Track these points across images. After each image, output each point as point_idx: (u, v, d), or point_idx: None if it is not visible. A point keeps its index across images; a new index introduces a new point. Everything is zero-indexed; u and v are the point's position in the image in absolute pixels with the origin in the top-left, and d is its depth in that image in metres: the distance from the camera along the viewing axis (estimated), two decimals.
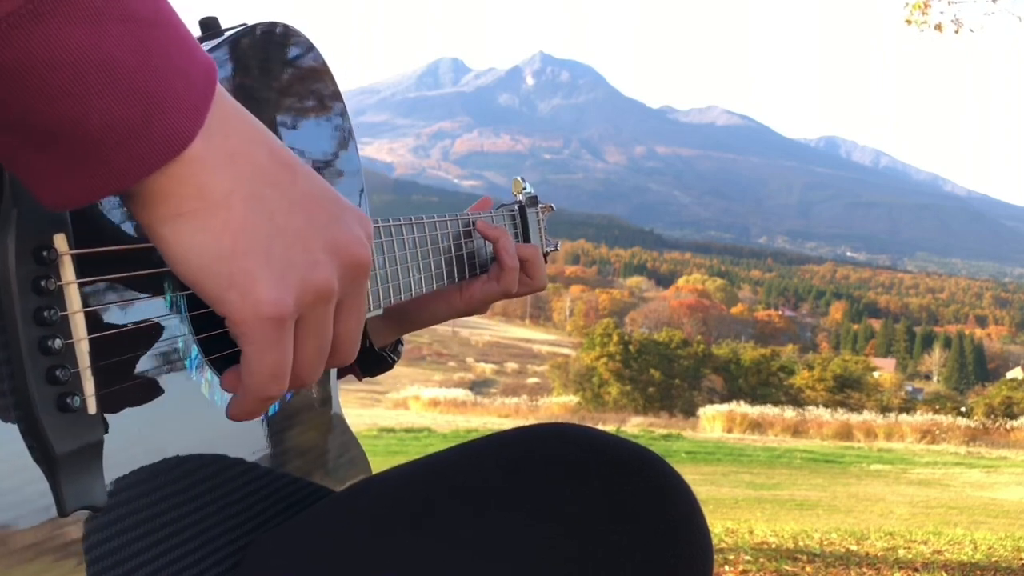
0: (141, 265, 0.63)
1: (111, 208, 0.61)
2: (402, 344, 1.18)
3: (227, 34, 0.79)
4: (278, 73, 0.85)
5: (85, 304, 0.56)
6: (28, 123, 0.43)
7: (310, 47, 0.89)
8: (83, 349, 0.55)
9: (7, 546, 0.51)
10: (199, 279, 0.50)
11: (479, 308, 1.16)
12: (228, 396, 0.71)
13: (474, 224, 1.15)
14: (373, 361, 1.12)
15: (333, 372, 0.90)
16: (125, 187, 0.47)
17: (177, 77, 0.46)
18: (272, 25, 0.84)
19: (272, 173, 0.52)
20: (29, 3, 0.41)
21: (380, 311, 0.90)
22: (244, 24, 0.82)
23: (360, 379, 1.15)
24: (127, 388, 0.61)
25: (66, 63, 0.42)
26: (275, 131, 0.84)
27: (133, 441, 0.61)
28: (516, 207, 1.27)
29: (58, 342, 0.52)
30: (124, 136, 0.45)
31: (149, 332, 0.64)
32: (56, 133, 0.43)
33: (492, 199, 1.26)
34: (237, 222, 0.50)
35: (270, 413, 0.78)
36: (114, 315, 0.61)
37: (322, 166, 0.91)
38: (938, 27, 8.76)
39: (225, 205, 0.49)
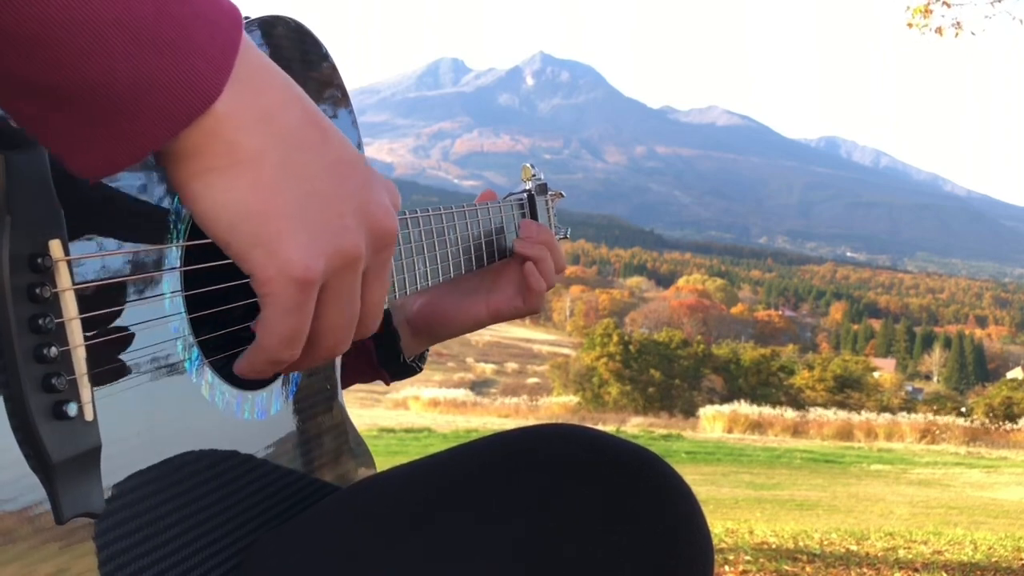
0: (137, 269, 0.63)
1: (105, 212, 0.60)
2: (427, 352, 1.19)
3: (255, 18, 0.79)
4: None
5: (81, 310, 0.55)
6: (54, 88, 0.43)
7: (317, 40, 0.89)
8: (79, 356, 0.54)
9: (7, 554, 0.51)
10: (227, 236, 0.49)
11: (506, 320, 1.16)
12: (229, 398, 0.71)
13: (511, 248, 1.16)
14: (402, 370, 1.13)
15: (337, 361, 0.89)
16: (156, 146, 0.46)
17: (200, 27, 0.45)
18: (281, 18, 0.84)
19: (305, 134, 0.51)
20: None
21: (386, 305, 0.87)
22: (247, 17, 0.81)
23: (388, 383, 1.15)
24: (126, 392, 0.61)
25: (82, 22, 0.41)
26: None
27: (133, 445, 0.61)
28: (525, 196, 1.25)
29: (53, 350, 0.52)
30: (151, 92, 0.44)
31: (147, 336, 0.64)
32: (81, 95, 0.43)
33: (496, 193, 1.24)
34: (268, 181, 0.49)
35: (272, 412, 0.78)
36: (111, 320, 0.60)
37: None
38: (939, 31, 8.77)
39: (256, 163, 0.49)
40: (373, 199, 0.54)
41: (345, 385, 1.08)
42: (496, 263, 1.16)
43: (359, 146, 0.95)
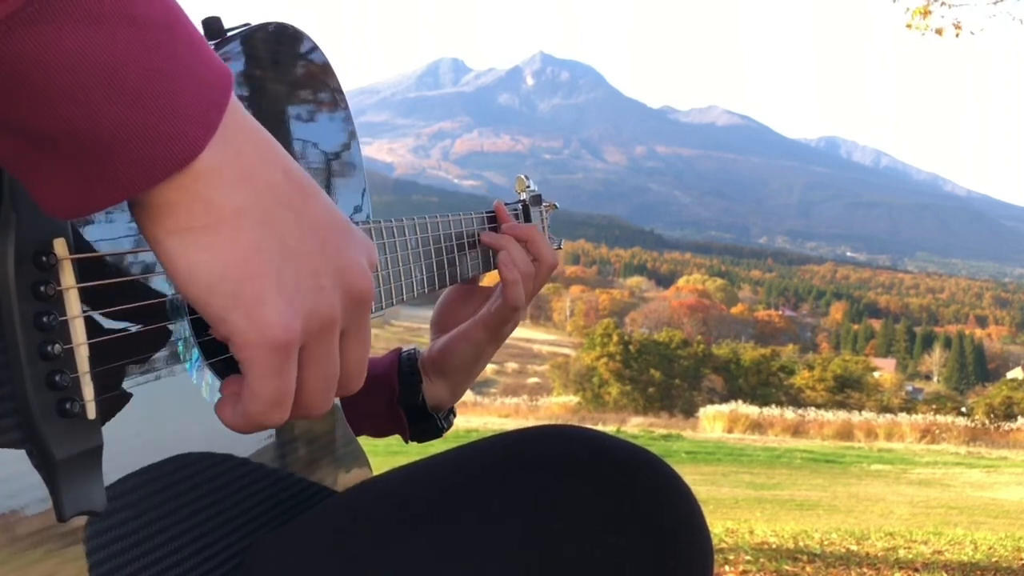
0: (141, 269, 0.63)
1: (111, 212, 0.60)
2: (454, 414, 1.17)
3: (235, 31, 0.80)
4: (288, 67, 0.85)
5: (85, 308, 0.55)
6: (31, 128, 0.42)
7: (315, 47, 0.89)
8: (83, 354, 0.54)
9: (8, 550, 0.51)
10: (203, 297, 0.48)
11: (502, 330, 1.12)
12: None
13: (479, 236, 1.14)
14: (423, 423, 1.12)
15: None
16: (130, 196, 0.45)
17: (188, 84, 0.45)
18: (281, 25, 0.85)
19: (286, 194, 0.51)
20: (30, 5, 0.40)
21: (382, 313, 0.90)
22: (248, 24, 0.82)
23: (407, 440, 1.14)
24: (127, 392, 0.61)
25: (69, 67, 0.41)
26: (287, 123, 0.85)
27: (134, 444, 0.61)
28: (519, 206, 1.26)
29: (57, 347, 0.52)
30: (129, 143, 0.44)
31: (149, 335, 0.64)
32: (60, 138, 0.43)
33: (503, 206, 1.23)
34: (247, 242, 0.48)
35: None
36: (114, 319, 0.60)
37: (332, 158, 0.91)
38: (938, 31, 8.77)
39: (235, 223, 0.48)
40: (350, 260, 0.54)
41: (363, 428, 1.08)
42: (491, 289, 1.16)
43: (353, 132, 0.95)
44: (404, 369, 1.11)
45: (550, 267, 1.15)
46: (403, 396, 1.10)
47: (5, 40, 0.40)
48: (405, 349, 1.15)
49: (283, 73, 0.85)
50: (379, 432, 1.14)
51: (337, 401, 0.90)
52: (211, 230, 0.48)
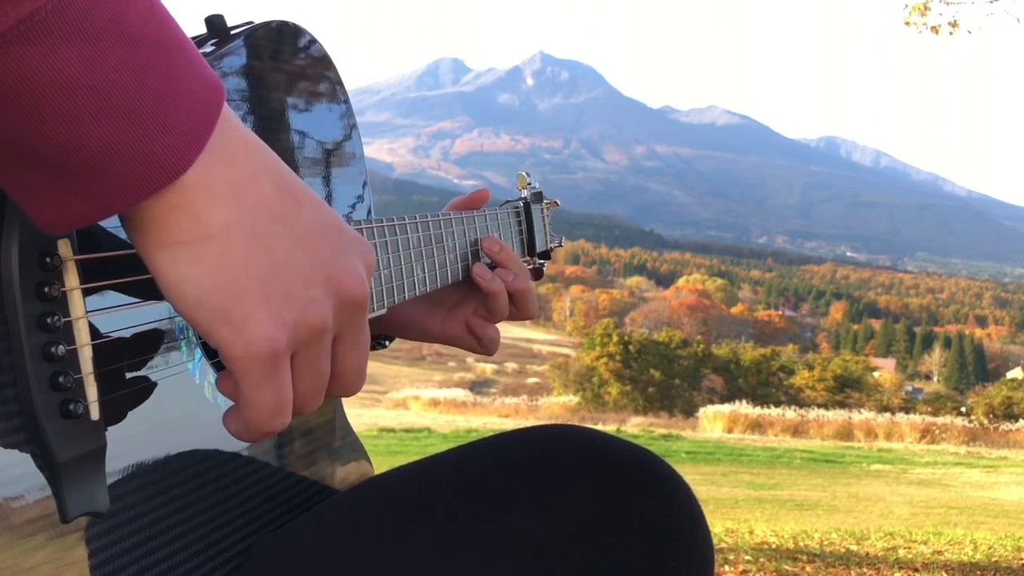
0: (144, 269, 0.62)
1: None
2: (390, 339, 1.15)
3: (233, 31, 0.80)
4: (290, 63, 0.86)
5: (88, 310, 0.55)
6: (20, 144, 0.42)
7: (316, 42, 0.90)
8: (86, 355, 0.55)
9: (12, 551, 0.51)
10: (192, 311, 0.49)
11: (454, 346, 1.07)
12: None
13: (482, 243, 1.11)
14: None
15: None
16: (118, 211, 0.46)
17: (178, 99, 0.45)
18: (284, 22, 0.85)
19: (277, 207, 0.51)
20: (22, 24, 0.40)
21: (384, 311, 0.91)
22: (251, 22, 0.82)
23: None
24: (130, 393, 0.61)
25: (59, 85, 0.41)
26: (287, 116, 0.86)
27: (136, 445, 0.62)
28: (521, 204, 1.25)
29: (61, 348, 0.52)
30: (118, 160, 0.44)
31: (153, 336, 0.64)
32: (49, 155, 0.43)
33: (490, 192, 1.21)
34: (235, 257, 0.49)
35: None
36: (118, 320, 0.60)
37: (333, 150, 0.91)
38: (934, 29, 8.77)
39: (223, 237, 0.48)
40: (343, 266, 0.54)
41: None
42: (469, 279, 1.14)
43: (354, 124, 0.95)
44: None
45: (527, 319, 1.11)
46: None
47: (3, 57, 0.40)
48: None
49: (285, 69, 0.85)
50: None
51: (338, 403, 0.91)
52: (200, 245, 0.48)
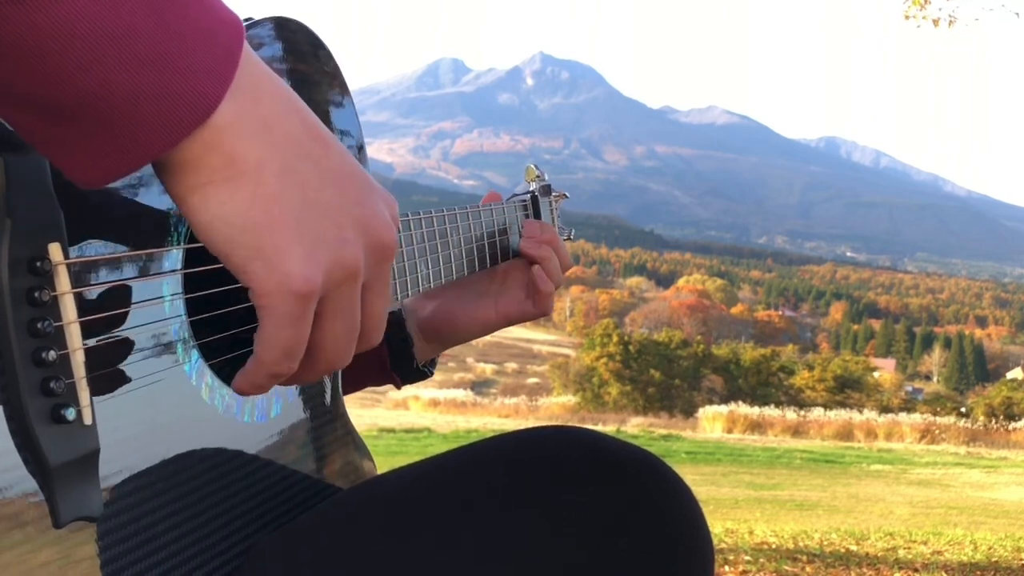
0: (137, 272, 0.63)
1: (105, 214, 0.60)
2: (438, 358, 1.18)
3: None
4: (288, 59, 0.86)
5: (80, 314, 0.55)
6: (47, 100, 0.42)
7: (317, 39, 0.90)
8: (78, 360, 0.54)
9: (4, 557, 0.51)
10: (225, 249, 0.49)
11: (516, 323, 1.14)
12: (229, 400, 0.72)
13: (517, 249, 1.14)
14: (414, 374, 1.13)
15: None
16: (153, 157, 0.46)
17: (199, 39, 0.45)
18: (282, 18, 0.86)
19: (305, 144, 0.51)
20: None
21: (397, 307, 0.89)
22: (251, 19, 0.82)
23: (399, 387, 1.15)
24: (125, 396, 0.61)
25: (77, 36, 0.41)
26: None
27: (132, 448, 0.61)
28: (529, 197, 1.24)
29: (52, 353, 0.52)
30: (146, 106, 0.44)
31: (147, 338, 0.64)
32: (77, 108, 0.43)
33: (500, 195, 1.23)
34: (268, 193, 0.49)
35: (273, 414, 0.78)
36: (110, 323, 0.60)
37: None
38: (934, 22, 8.77)
39: (256, 174, 0.48)
40: (372, 211, 0.54)
41: (356, 388, 1.09)
42: (502, 265, 1.15)
43: (360, 148, 0.96)
44: (393, 334, 1.10)
45: (566, 270, 1.17)
46: (395, 361, 1.10)
47: (12, 12, 0.40)
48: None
49: (283, 65, 0.85)
50: (370, 384, 1.14)
51: (339, 402, 0.91)
52: (232, 183, 0.48)
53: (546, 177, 1.26)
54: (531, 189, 1.24)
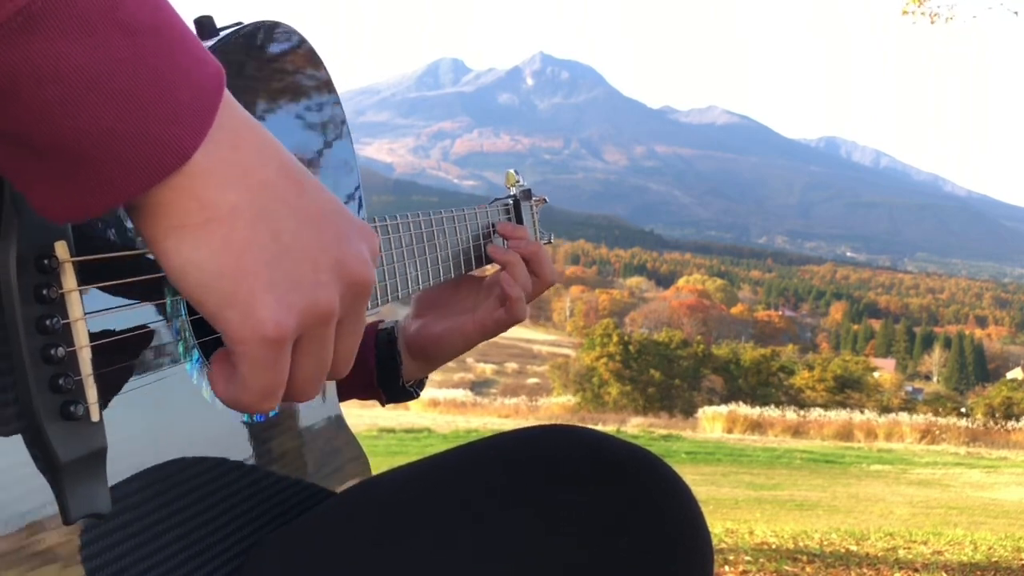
0: (142, 271, 0.63)
1: (112, 214, 0.61)
2: (426, 379, 1.19)
3: (223, 32, 0.80)
4: (280, 65, 0.86)
5: (87, 311, 0.56)
6: (23, 137, 0.42)
7: (308, 44, 0.89)
8: (85, 357, 0.55)
9: (15, 555, 0.51)
10: (198, 295, 0.49)
11: (494, 334, 1.15)
12: None
13: (486, 251, 1.16)
14: (400, 394, 1.14)
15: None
16: (125, 199, 0.46)
17: (179, 87, 0.45)
18: (274, 23, 0.85)
19: (281, 188, 0.51)
20: (17, 16, 0.40)
21: (378, 310, 0.91)
22: (240, 23, 0.83)
23: (384, 404, 1.17)
24: (130, 394, 0.62)
25: (58, 77, 0.41)
26: (277, 121, 0.85)
27: (136, 446, 0.62)
28: (511, 201, 1.27)
29: (60, 350, 0.52)
30: (123, 149, 0.44)
31: (151, 337, 0.64)
32: (52, 147, 0.43)
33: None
34: (241, 239, 0.48)
35: (272, 414, 0.79)
36: (116, 321, 0.60)
37: (314, 158, 0.90)
38: (932, 17, 8.77)
39: (229, 221, 0.48)
40: (349, 250, 0.54)
41: (341, 399, 1.09)
42: (486, 280, 1.17)
43: (344, 127, 0.95)
44: (382, 352, 1.12)
45: (548, 284, 1.18)
46: (381, 378, 1.12)
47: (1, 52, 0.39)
48: (381, 326, 1.16)
49: (275, 71, 0.85)
50: (356, 397, 1.15)
51: (335, 398, 0.92)
52: (204, 228, 0.48)
53: (525, 183, 1.29)
54: (512, 193, 1.27)
